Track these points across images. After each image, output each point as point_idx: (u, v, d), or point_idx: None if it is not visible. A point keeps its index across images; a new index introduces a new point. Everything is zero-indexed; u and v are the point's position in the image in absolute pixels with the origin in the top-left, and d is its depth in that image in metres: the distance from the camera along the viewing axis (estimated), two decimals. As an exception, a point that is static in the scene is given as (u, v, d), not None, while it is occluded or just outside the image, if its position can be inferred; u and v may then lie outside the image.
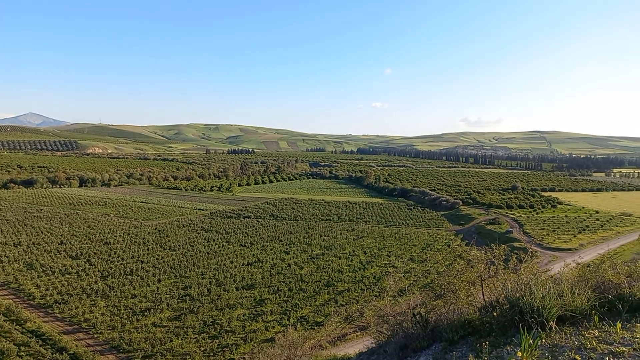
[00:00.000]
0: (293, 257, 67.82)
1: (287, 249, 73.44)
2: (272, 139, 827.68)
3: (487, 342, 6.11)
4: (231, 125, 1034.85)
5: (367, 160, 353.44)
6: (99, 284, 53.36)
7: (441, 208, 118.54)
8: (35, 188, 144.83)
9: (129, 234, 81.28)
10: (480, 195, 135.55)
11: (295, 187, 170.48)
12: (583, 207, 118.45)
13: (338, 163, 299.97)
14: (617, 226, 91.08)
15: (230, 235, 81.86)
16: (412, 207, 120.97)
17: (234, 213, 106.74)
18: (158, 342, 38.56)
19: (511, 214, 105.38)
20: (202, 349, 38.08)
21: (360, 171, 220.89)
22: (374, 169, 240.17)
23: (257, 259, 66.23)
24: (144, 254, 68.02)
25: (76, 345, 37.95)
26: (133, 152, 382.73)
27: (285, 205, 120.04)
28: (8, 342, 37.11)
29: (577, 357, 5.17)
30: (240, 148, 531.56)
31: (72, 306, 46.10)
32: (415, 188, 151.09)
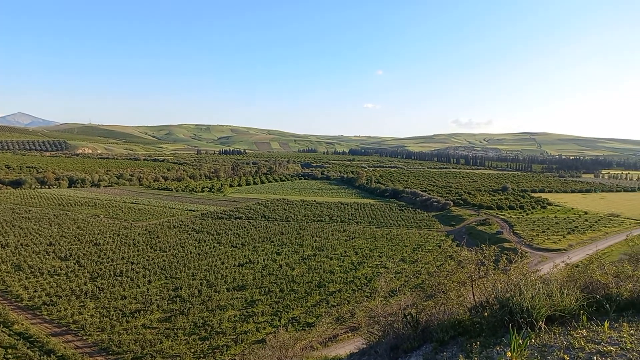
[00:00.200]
0: (284, 258, 67.70)
1: (278, 249, 73.29)
2: (264, 140, 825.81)
3: (478, 343, 6.14)
4: (222, 125, 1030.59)
5: (358, 161, 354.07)
6: (89, 285, 52.84)
7: (432, 209, 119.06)
8: (24, 189, 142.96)
9: (119, 235, 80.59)
10: (471, 196, 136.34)
11: (287, 188, 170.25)
12: (572, 208, 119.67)
13: (330, 164, 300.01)
14: (605, 227, 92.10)
15: (222, 236, 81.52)
16: (403, 208, 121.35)
17: (225, 214, 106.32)
18: (148, 343, 38.26)
19: (501, 215, 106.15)
20: (193, 350, 37.86)
21: (352, 172, 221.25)
22: (366, 169, 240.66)
23: (248, 260, 66.00)
24: (134, 255, 67.50)
25: (64, 347, 37.56)
26: (123, 153, 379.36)
27: (277, 206, 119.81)
28: (-5, 344, 36.62)
29: (565, 356, 5.21)
30: (231, 149, 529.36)
31: (60, 308, 45.60)
32: (407, 189, 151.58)
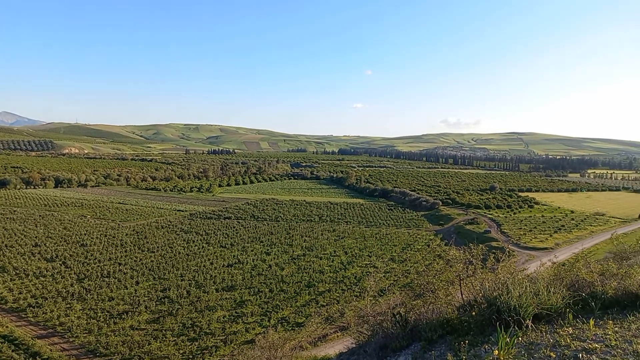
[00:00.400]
0: (274, 258, 67.55)
1: (268, 249, 73.12)
2: (253, 140, 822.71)
3: (466, 341, 6.17)
4: (211, 125, 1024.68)
5: (348, 160, 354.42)
6: (75, 286, 52.22)
7: (421, 208, 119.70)
8: (8, 189, 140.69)
9: (106, 236, 79.74)
10: (459, 195, 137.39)
11: (277, 188, 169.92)
12: (559, 207, 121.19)
13: (319, 164, 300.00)
14: (591, 225, 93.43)
15: (210, 237, 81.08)
16: (392, 208, 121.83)
17: (214, 214, 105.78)
18: (136, 345, 37.93)
19: (489, 214, 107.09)
20: (181, 351, 37.60)
21: (342, 172, 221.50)
22: (355, 169, 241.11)
23: (237, 260, 65.75)
24: (121, 256, 66.85)
25: (50, 350, 37.08)
26: (110, 153, 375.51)
27: (266, 206, 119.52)
28: (-21, 347, 35.99)
29: (552, 354, 5.26)
30: (220, 148, 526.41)
31: (46, 310, 45.00)
32: (396, 189, 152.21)
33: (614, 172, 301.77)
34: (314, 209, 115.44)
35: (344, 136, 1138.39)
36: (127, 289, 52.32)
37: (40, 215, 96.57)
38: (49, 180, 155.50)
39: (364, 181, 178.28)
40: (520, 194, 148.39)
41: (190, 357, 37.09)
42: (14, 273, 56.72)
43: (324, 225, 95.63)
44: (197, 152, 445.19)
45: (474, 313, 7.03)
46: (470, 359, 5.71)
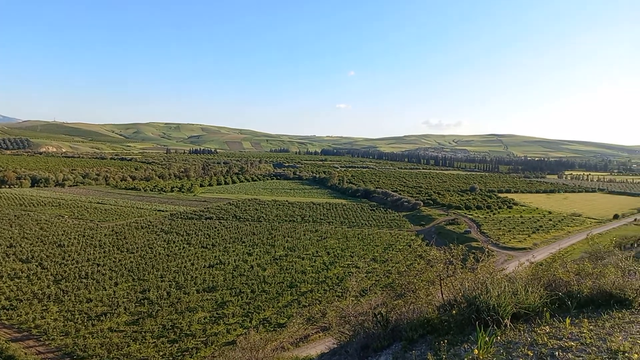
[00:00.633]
0: (256, 259, 67.26)
1: (250, 250, 72.75)
2: (235, 139, 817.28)
3: (446, 341, 6.22)
4: (193, 124, 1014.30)
5: (331, 161, 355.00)
6: (52, 288, 51.09)
7: (403, 209, 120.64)
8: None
9: (84, 236, 78.22)
10: (440, 196, 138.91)
11: (259, 188, 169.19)
12: (537, 208, 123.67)
13: (302, 164, 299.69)
14: (568, 226, 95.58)
15: (191, 237, 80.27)
16: (374, 208, 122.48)
17: (195, 214, 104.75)
18: (115, 347, 37.32)
19: (469, 215, 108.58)
20: (161, 353, 37.13)
21: (324, 172, 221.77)
22: (338, 170, 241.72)
23: (219, 261, 65.24)
24: (100, 257, 65.67)
25: (25, 353, 36.21)
26: (89, 151, 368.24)
27: (249, 206, 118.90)
28: (-51, 351, 34.91)
29: (529, 352, 5.35)
30: (202, 148, 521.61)
31: (21, 312, 43.95)
32: (378, 189, 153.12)
33: (590, 174, 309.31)
34: (297, 210, 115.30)
35: (327, 136, 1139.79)
36: (105, 290, 51.43)
37: (15, 215, 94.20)
38: (24, 179, 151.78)
39: (347, 182, 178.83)
40: (499, 194, 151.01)
41: (171, 359, 36.68)
42: (-13, 275, 55.15)
43: (306, 225, 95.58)
44: (178, 152, 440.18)
45: (454, 312, 7.10)
46: (450, 358, 5.76)
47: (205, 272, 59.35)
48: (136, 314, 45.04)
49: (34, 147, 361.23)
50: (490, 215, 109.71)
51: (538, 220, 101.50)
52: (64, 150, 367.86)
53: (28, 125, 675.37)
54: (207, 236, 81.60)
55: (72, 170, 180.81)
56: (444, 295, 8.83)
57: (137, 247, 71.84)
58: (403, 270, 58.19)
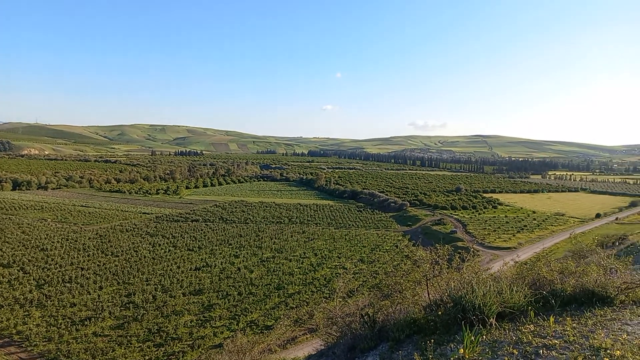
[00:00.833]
0: (243, 261, 66.92)
1: (236, 252, 72.36)
2: (222, 141, 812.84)
3: (432, 340, 6.25)
4: (178, 126, 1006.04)
5: (318, 162, 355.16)
6: (34, 293, 50.14)
7: (390, 209, 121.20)
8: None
9: (67, 240, 76.94)
10: (426, 196, 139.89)
11: (246, 190, 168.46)
12: (521, 208, 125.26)
13: (289, 165, 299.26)
14: (552, 225, 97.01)
15: (177, 240, 79.55)
16: (361, 209, 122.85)
17: (181, 217, 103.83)
18: (99, 352, 36.78)
19: (455, 215, 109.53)
20: (147, 357, 36.73)
21: (311, 173, 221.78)
22: (325, 171, 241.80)
23: (205, 264, 64.74)
24: (84, 261, 64.67)
25: (7, 360, 35.45)
26: (73, 154, 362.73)
27: (235, 208, 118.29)
28: None
29: (514, 351, 5.41)
30: (188, 150, 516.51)
31: (2, 318, 43.03)
32: (365, 190, 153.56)
33: (572, 174, 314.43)
34: (284, 211, 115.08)
35: (314, 138, 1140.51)
36: (90, 294, 50.67)
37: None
38: (5, 182, 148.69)
39: (334, 183, 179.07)
40: (484, 195, 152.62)
41: (156, 363, 36.27)
42: (-33, 280, 53.93)
43: (293, 227, 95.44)
44: (163, 154, 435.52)
45: (440, 312, 7.14)
46: (436, 358, 5.79)
47: (191, 275, 58.85)
48: (121, 318, 44.44)
49: (15, 149, 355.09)
50: (475, 215, 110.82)
51: (522, 220, 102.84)
52: (46, 152, 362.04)
53: (9, 127, 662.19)
54: (193, 239, 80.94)
55: (55, 172, 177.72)
56: (430, 295, 8.87)
57: (122, 251, 70.94)
58: (390, 270, 58.23)
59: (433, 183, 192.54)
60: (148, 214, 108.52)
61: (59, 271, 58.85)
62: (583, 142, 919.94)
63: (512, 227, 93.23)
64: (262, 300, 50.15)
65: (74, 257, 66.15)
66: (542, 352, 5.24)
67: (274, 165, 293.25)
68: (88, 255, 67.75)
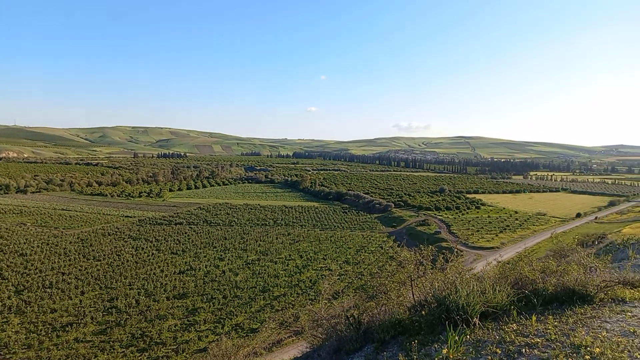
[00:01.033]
0: (228, 264, 66.44)
1: (221, 255, 71.79)
2: (206, 143, 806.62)
3: (416, 341, 6.28)
4: (161, 128, 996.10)
5: (302, 164, 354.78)
6: (13, 299, 48.97)
7: (375, 211, 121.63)
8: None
9: (48, 244, 75.37)
10: (411, 198, 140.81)
11: (230, 192, 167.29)
12: (504, 208, 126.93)
13: (274, 167, 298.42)
14: (533, 225, 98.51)
15: (161, 243, 78.59)
16: (347, 211, 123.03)
17: (164, 219, 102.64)
18: (81, 358, 36.14)
19: (439, 216, 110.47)
20: (130, 363, 36.15)
21: (296, 175, 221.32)
22: (310, 173, 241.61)
23: (189, 267, 64.08)
24: (65, 265, 63.40)
25: (-15, 369, 34.55)
26: (53, 157, 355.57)
27: (220, 210, 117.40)
28: None
29: (497, 350, 5.46)
30: (171, 152, 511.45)
31: (-21, 325, 41.91)
32: (350, 192, 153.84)
33: (553, 174, 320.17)
34: (269, 213, 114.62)
35: (299, 140, 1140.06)
36: (71, 299, 49.71)
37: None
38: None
39: (319, 184, 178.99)
40: (468, 195, 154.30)
41: (140, 368, 35.76)
42: (-57, 287, 52.41)
43: (278, 229, 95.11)
44: (146, 156, 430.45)
45: (424, 313, 7.17)
46: (421, 359, 5.82)
47: (175, 279, 58.17)
48: (104, 323, 43.70)
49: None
50: (459, 216, 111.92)
51: (505, 220, 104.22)
52: (25, 155, 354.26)
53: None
54: (177, 242, 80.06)
55: (34, 176, 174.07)
56: (415, 296, 8.91)
57: (104, 255, 69.78)
58: (375, 272, 58.62)
59: (417, 184, 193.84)
60: (131, 217, 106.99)
61: (39, 276, 57.60)
62: (563, 143, 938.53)
63: (495, 227, 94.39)
64: (247, 303, 49.83)
65: (55, 262, 64.83)
66: (525, 351, 5.31)
67: (258, 167, 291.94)
68: (69, 260, 66.46)
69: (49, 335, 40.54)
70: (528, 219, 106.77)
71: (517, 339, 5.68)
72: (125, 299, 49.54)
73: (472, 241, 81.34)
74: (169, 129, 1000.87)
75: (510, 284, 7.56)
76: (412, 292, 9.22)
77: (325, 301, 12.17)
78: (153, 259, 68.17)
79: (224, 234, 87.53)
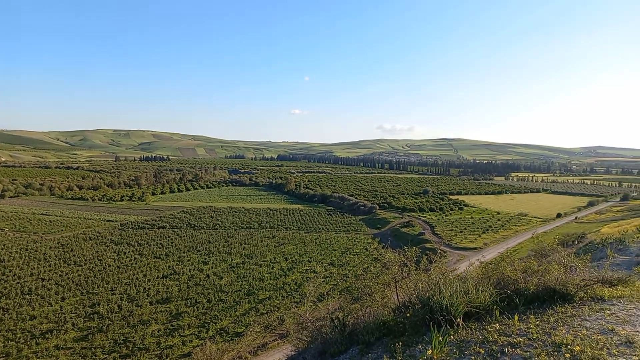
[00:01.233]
0: (212, 267, 65.85)
1: (205, 259, 71.14)
2: (189, 146, 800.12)
3: (401, 342, 6.31)
4: (144, 131, 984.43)
5: (287, 166, 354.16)
6: (-10, 307, 47.73)
7: (359, 213, 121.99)
8: None
9: (27, 250, 73.70)
10: (395, 199, 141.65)
11: (214, 195, 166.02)
12: (486, 209, 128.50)
13: (258, 170, 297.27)
14: (515, 225, 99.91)
15: (143, 247, 77.51)
16: (331, 213, 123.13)
17: (147, 223, 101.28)
18: (61, 366, 35.32)
19: (423, 217, 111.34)
20: (113, 370, 35.51)
21: (281, 178, 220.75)
22: (295, 175, 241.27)
23: (173, 271, 63.32)
24: (45, 271, 62.05)
25: (-40, 379, 33.59)
26: (32, 160, 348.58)
27: (204, 213, 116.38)
28: None
29: (481, 350, 5.52)
30: (153, 155, 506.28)
31: (-45, 334, 40.73)
32: (335, 194, 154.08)
33: (534, 175, 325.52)
34: (253, 216, 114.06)
35: (283, 142, 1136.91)
36: (51, 306, 48.67)
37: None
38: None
39: (303, 187, 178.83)
40: (451, 197, 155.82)
41: (122, 375, 35.16)
42: None
43: (263, 232, 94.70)
44: (128, 159, 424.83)
45: (408, 314, 7.21)
46: (405, 360, 5.84)
47: (158, 283, 57.41)
48: (85, 330, 42.87)
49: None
50: (442, 217, 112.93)
51: (487, 221, 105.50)
52: (3, 159, 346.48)
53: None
54: (160, 246, 79.08)
55: (12, 180, 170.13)
56: (399, 297, 8.95)
57: (86, 260, 68.54)
58: (360, 273, 58.82)
59: (401, 186, 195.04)
60: (112, 221, 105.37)
61: (18, 283, 56.25)
62: (543, 145, 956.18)
63: (478, 228, 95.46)
64: (232, 307, 49.44)
65: (34, 268, 63.41)
66: (508, 350, 5.37)
67: (242, 170, 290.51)
68: (49, 265, 65.09)
69: (28, 342, 39.59)
70: (510, 219, 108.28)
71: (500, 339, 5.75)
72: (107, 305, 48.71)
73: (455, 242, 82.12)
74: (152, 131, 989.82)
75: (492, 284, 7.65)
76: (397, 293, 9.26)
77: (310, 304, 12.15)
78: (135, 264, 67.19)
79: (208, 238, 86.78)
